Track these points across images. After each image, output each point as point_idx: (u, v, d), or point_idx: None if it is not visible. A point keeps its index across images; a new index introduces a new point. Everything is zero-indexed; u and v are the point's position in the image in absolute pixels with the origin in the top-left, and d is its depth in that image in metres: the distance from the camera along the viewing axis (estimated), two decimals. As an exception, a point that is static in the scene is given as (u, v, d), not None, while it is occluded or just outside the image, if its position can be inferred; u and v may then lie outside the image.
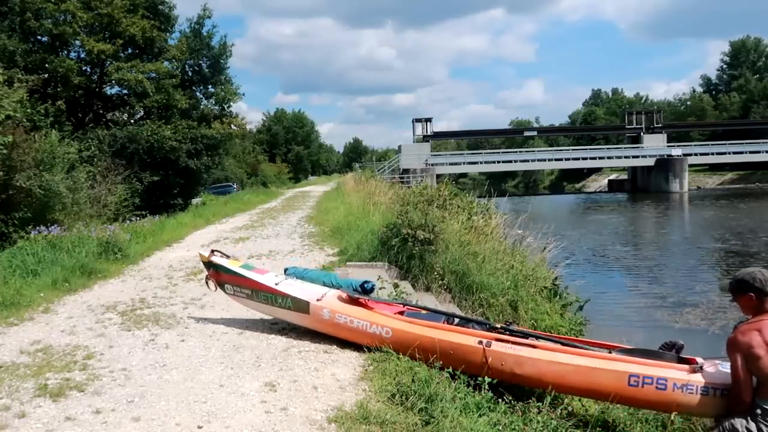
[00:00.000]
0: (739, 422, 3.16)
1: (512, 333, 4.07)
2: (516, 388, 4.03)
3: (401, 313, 4.53)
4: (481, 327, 4.21)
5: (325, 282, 4.87)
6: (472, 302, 6.77)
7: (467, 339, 3.96)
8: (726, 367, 3.39)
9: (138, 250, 9.46)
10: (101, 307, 5.94)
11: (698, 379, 3.40)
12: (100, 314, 5.63)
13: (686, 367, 3.49)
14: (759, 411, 3.10)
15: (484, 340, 3.89)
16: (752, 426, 3.10)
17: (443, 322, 4.29)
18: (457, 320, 4.38)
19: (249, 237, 11.82)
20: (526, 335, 4.10)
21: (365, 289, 4.59)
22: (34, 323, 5.34)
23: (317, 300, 4.57)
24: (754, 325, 3.17)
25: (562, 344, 3.96)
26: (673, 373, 3.47)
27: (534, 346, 3.85)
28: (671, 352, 3.66)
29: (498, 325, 4.21)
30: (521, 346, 3.84)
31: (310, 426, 3.17)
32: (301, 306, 4.62)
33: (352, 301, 4.51)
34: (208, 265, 5.28)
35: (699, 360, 3.52)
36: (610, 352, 3.82)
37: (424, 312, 4.60)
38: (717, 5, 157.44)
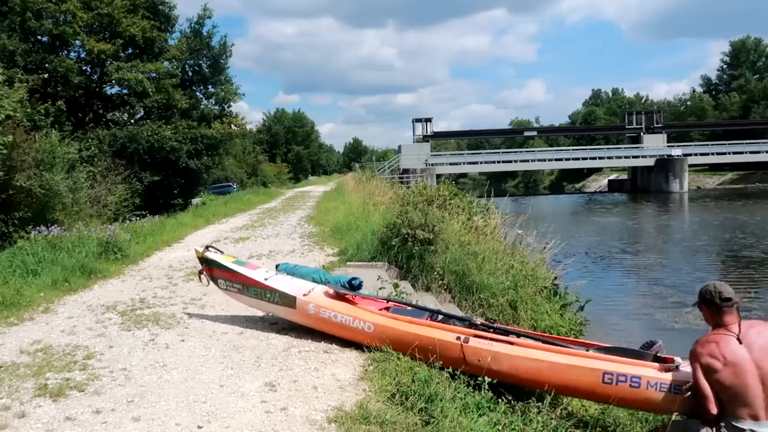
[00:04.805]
0: (704, 430, 3.17)
1: (493, 330, 4.13)
2: (516, 388, 4.04)
3: (387, 308, 4.63)
4: (462, 324, 4.28)
5: (314, 278, 4.99)
6: (472, 302, 6.77)
7: (446, 335, 4.05)
8: None
9: (138, 250, 9.45)
10: (101, 307, 5.93)
11: (672, 377, 3.44)
12: (100, 314, 5.63)
13: (661, 366, 3.53)
14: (723, 424, 3.11)
15: (462, 336, 3.98)
16: None
17: (427, 318, 4.39)
18: (440, 317, 4.46)
19: (249, 237, 11.81)
20: (506, 332, 4.15)
21: (352, 285, 4.71)
22: (34, 323, 5.34)
23: (303, 295, 4.70)
24: (713, 337, 3.21)
25: (542, 342, 4.01)
26: (647, 371, 3.51)
27: (511, 343, 3.91)
28: (649, 351, 3.69)
29: (479, 322, 4.27)
30: (498, 343, 3.91)
31: (310, 426, 3.17)
32: (288, 301, 4.75)
33: (338, 296, 4.63)
34: (203, 260, 5.39)
35: (677, 359, 3.55)
36: (587, 350, 3.85)
37: (409, 308, 4.68)
38: (717, 5, 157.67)
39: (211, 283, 5.44)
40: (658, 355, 3.64)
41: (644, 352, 3.68)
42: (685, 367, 3.48)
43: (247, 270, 5.12)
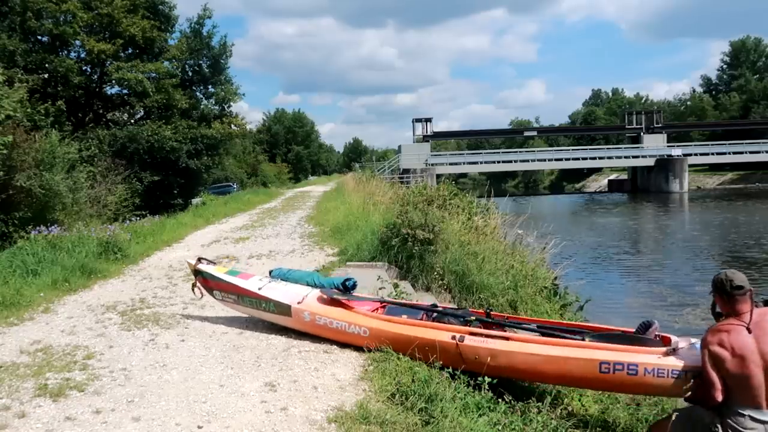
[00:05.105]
0: (707, 415, 3.19)
1: (490, 323, 4.14)
2: (516, 388, 4.04)
3: (382, 308, 4.63)
4: (458, 320, 4.29)
5: (308, 282, 4.98)
6: (472, 302, 6.76)
7: (441, 335, 4.05)
8: (699, 346, 3.42)
9: (138, 250, 9.45)
10: (101, 307, 5.93)
11: (669, 362, 3.44)
12: (100, 314, 5.63)
13: (658, 350, 3.52)
14: (728, 412, 3.12)
15: (458, 335, 3.98)
16: (718, 422, 3.13)
17: (422, 316, 4.40)
18: (435, 314, 4.45)
19: (249, 237, 11.81)
20: (503, 325, 4.17)
21: (346, 286, 4.72)
22: (34, 323, 5.34)
23: (298, 303, 4.69)
24: (724, 326, 3.20)
25: (541, 333, 4.02)
26: (644, 357, 3.50)
27: (507, 338, 3.92)
28: (646, 333, 3.68)
29: (473, 317, 4.27)
30: (494, 339, 3.91)
31: (310, 426, 3.17)
32: (283, 309, 4.76)
33: (332, 302, 4.61)
34: (197, 272, 5.37)
35: (673, 339, 3.55)
36: (582, 339, 3.85)
37: (403, 307, 4.67)
38: (717, 5, 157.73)
39: (207, 294, 5.42)
40: (656, 334, 3.65)
41: (641, 337, 3.68)
42: (682, 347, 3.48)
43: (240, 280, 5.10)
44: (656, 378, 3.43)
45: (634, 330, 3.81)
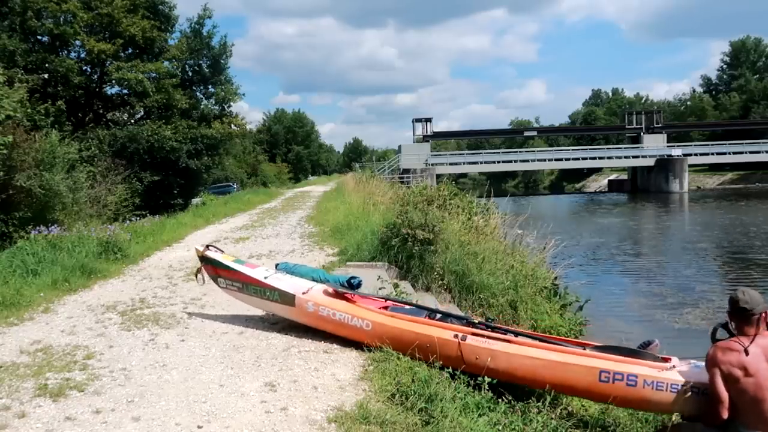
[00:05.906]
0: None
1: (491, 329, 4.14)
2: (516, 388, 4.04)
3: (386, 307, 4.65)
4: (459, 322, 4.30)
5: (313, 277, 5.02)
6: (472, 302, 6.77)
7: (443, 333, 4.06)
8: (699, 366, 3.43)
9: (138, 250, 9.45)
10: (101, 307, 5.93)
11: (669, 376, 3.44)
12: (100, 314, 5.63)
13: (659, 365, 3.53)
14: (730, 429, 3.12)
15: (460, 334, 3.99)
16: None
17: (425, 317, 4.41)
18: (438, 315, 4.47)
19: (249, 237, 11.82)
20: (504, 332, 4.17)
21: (351, 284, 4.75)
22: (34, 323, 5.34)
23: (302, 293, 4.72)
24: (734, 345, 3.19)
25: (540, 341, 4.02)
26: (644, 369, 3.50)
27: (508, 341, 3.92)
28: (646, 350, 3.69)
29: (476, 320, 4.28)
30: (495, 341, 3.92)
31: (310, 426, 3.17)
32: (288, 299, 4.77)
33: (337, 295, 4.66)
34: (203, 259, 5.43)
35: (674, 359, 3.56)
36: (584, 349, 3.86)
37: (407, 307, 4.71)
38: (717, 5, 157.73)
39: (211, 282, 5.47)
40: (656, 354, 3.65)
41: (641, 351, 3.69)
42: (682, 366, 3.48)
43: (246, 269, 5.15)
44: (655, 391, 3.43)
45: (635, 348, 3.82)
